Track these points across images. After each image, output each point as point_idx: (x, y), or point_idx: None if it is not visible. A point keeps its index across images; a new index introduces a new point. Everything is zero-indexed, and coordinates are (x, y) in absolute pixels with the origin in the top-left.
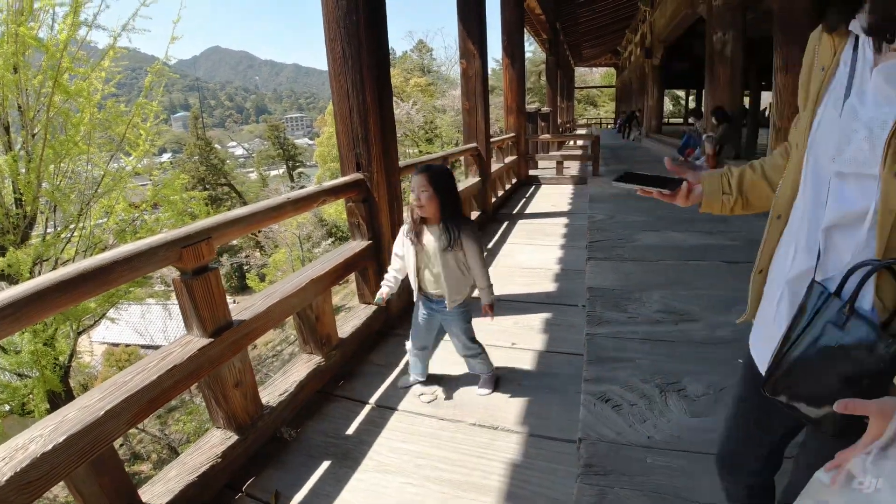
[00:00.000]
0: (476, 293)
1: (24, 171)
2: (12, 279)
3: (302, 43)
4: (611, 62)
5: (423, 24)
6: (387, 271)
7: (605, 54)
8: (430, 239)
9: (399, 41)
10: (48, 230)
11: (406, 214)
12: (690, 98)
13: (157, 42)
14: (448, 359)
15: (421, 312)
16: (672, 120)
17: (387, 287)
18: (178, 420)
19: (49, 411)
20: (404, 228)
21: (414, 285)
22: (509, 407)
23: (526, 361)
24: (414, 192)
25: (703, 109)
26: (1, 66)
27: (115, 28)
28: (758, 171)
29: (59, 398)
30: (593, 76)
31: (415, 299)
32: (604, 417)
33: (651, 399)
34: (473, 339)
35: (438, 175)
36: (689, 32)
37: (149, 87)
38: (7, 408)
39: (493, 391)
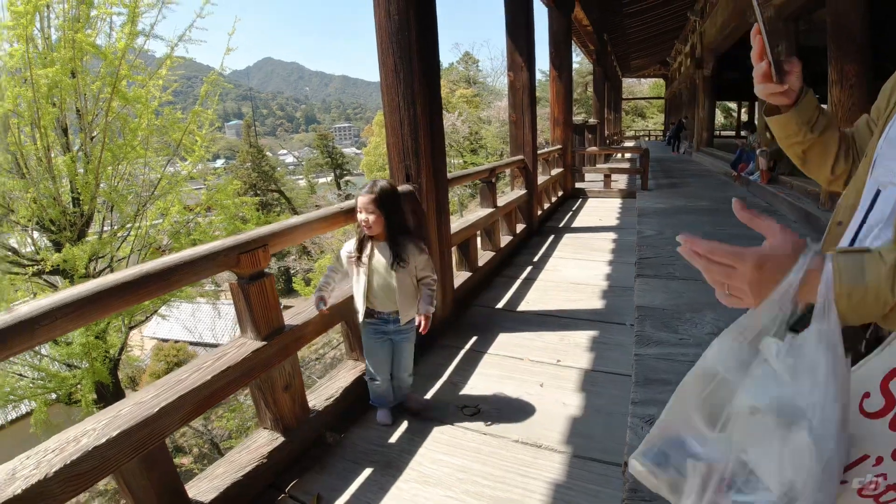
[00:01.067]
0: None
1: (82, 171)
2: (68, 274)
3: (350, 55)
4: (659, 73)
5: (469, 36)
6: (321, 285)
7: (654, 65)
8: (379, 257)
9: (445, 52)
10: (105, 229)
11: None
12: (743, 110)
13: (212, 52)
14: (491, 374)
15: (374, 339)
16: (723, 133)
17: (324, 293)
18: (221, 416)
19: (96, 402)
20: (346, 248)
21: (361, 307)
22: (553, 425)
23: (571, 379)
24: (361, 212)
25: (756, 122)
26: (59, 71)
27: (171, 38)
28: (838, 131)
29: (106, 390)
30: (641, 87)
31: (361, 325)
32: None
33: None
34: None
35: (384, 195)
36: (741, 42)
37: (204, 96)
38: (54, 396)
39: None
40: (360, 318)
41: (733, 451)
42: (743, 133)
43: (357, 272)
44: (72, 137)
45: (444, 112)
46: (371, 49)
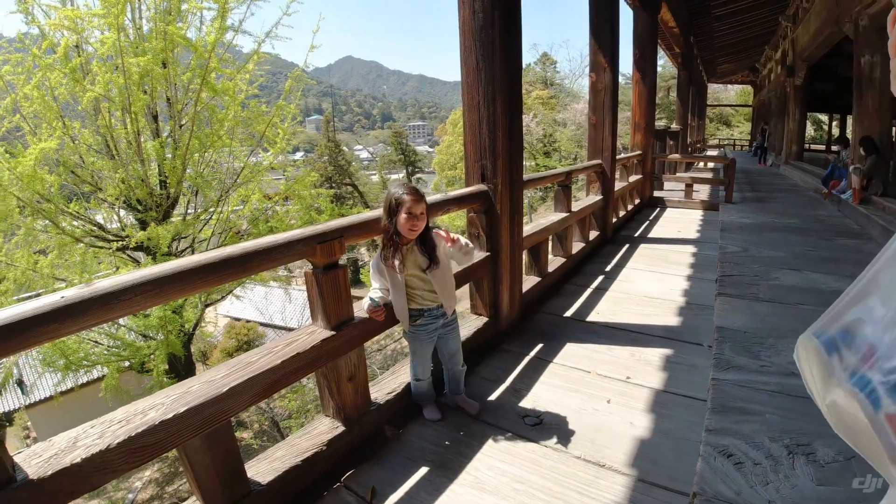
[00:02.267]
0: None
1: (170, 156)
2: (151, 251)
3: (428, 55)
4: (748, 79)
5: (548, 37)
6: (372, 294)
7: (742, 71)
8: (412, 260)
9: (524, 53)
10: (189, 211)
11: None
12: (834, 124)
13: (296, 50)
14: (556, 385)
15: (424, 340)
16: (813, 146)
17: (377, 300)
18: (283, 396)
19: (167, 372)
20: (377, 259)
21: (406, 315)
22: (618, 445)
23: (640, 398)
24: (410, 215)
25: (849, 137)
26: (150, 60)
27: (259, 34)
28: None
29: (178, 361)
30: (728, 94)
31: (406, 330)
32: (723, 473)
33: (777, 460)
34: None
35: (425, 197)
36: (835, 51)
37: (288, 91)
38: (127, 364)
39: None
40: (406, 326)
41: None
42: (835, 148)
43: (394, 281)
44: (161, 124)
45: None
46: (450, 49)
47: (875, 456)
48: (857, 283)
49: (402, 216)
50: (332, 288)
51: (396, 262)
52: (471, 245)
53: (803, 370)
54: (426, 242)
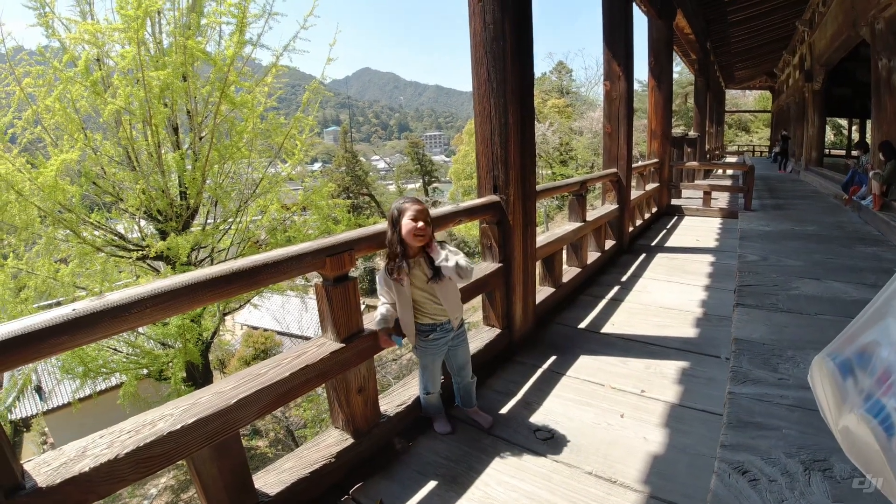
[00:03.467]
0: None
1: (190, 168)
2: (170, 261)
3: (444, 65)
4: (766, 85)
5: (564, 46)
6: (381, 310)
7: (760, 76)
8: (417, 272)
9: (539, 62)
10: (208, 222)
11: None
12: (853, 128)
13: (314, 62)
14: (569, 398)
15: (434, 353)
16: (833, 151)
17: (387, 323)
18: (298, 405)
19: (185, 380)
20: (384, 272)
21: (411, 331)
22: (631, 460)
23: (655, 413)
24: (417, 221)
25: (868, 142)
26: (170, 74)
27: (277, 48)
28: None
29: (196, 370)
30: (746, 99)
31: (415, 345)
32: (738, 491)
33: (793, 476)
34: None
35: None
36: (853, 55)
37: (306, 103)
38: (145, 371)
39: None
40: (413, 341)
41: None
42: (854, 153)
43: (400, 294)
44: (181, 136)
45: (535, 122)
46: (466, 60)
47: (886, 483)
48: (873, 303)
49: (406, 222)
50: (341, 300)
51: (403, 275)
52: (469, 268)
53: (817, 392)
54: (429, 255)
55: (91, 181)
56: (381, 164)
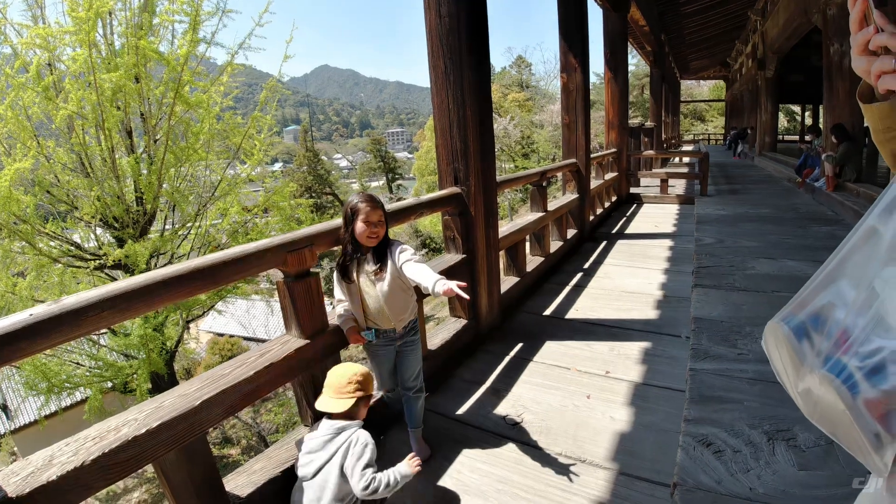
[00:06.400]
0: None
1: (145, 172)
2: (129, 269)
3: (404, 61)
4: (720, 74)
5: (523, 41)
6: (338, 310)
7: (714, 66)
8: (364, 269)
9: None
10: (166, 227)
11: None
12: (807, 114)
13: (271, 60)
14: (536, 383)
15: (378, 354)
16: (787, 137)
17: (350, 322)
18: (270, 410)
19: (151, 391)
20: (336, 274)
21: (363, 327)
22: (599, 440)
23: (620, 393)
24: (367, 224)
25: (821, 126)
26: (123, 76)
27: (232, 46)
28: None
29: (161, 380)
30: (701, 89)
31: (367, 347)
32: (703, 463)
33: (757, 447)
34: (421, 373)
35: (382, 204)
36: (805, 42)
37: (263, 102)
38: (109, 384)
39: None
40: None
41: (872, 308)
42: (807, 137)
43: (351, 293)
44: (136, 140)
45: (496, 117)
46: (425, 55)
47: (854, 444)
48: (823, 269)
49: (359, 224)
50: (304, 296)
51: (352, 271)
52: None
53: (772, 357)
54: (380, 250)
55: (45, 190)
56: (344, 163)
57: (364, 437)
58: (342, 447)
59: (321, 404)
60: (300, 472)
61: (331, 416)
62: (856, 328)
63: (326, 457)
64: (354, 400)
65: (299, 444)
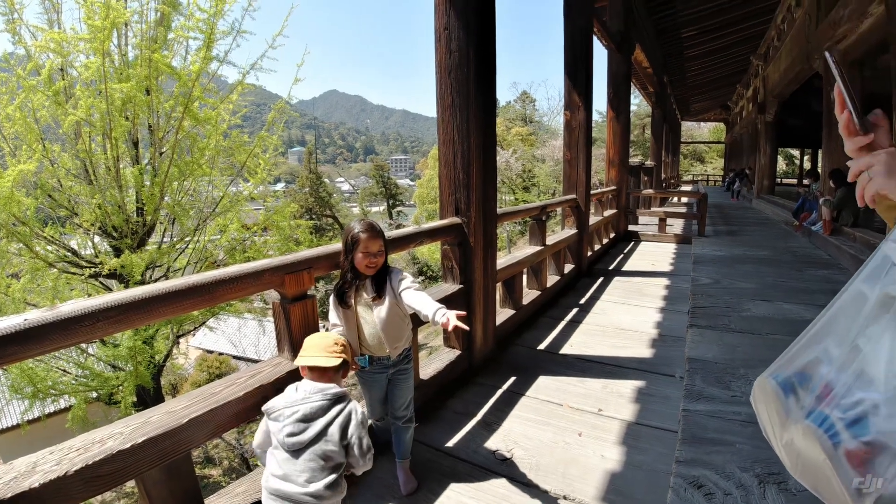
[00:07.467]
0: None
1: (148, 183)
2: (124, 279)
3: (411, 90)
4: (720, 117)
5: (528, 76)
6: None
7: (715, 108)
8: (363, 296)
9: (503, 91)
10: (165, 240)
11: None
12: (805, 158)
13: (281, 82)
14: (528, 418)
15: (369, 382)
16: (785, 180)
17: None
18: (254, 432)
19: (136, 404)
20: (333, 299)
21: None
22: (590, 478)
23: (612, 431)
24: (367, 254)
25: (819, 170)
26: (134, 87)
27: (244, 65)
28: None
29: (147, 394)
30: (701, 131)
31: (358, 372)
32: None
33: (748, 490)
34: (412, 402)
35: (384, 234)
36: (805, 88)
37: (271, 122)
38: (94, 395)
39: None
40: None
41: (855, 363)
42: (805, 181)
43: (347, 320)
44: (142, 151)
45: (498, 149)
46: (432, 86)
47: (835, 497)
48: (812, 327)
49: (359, 255)
50: (300, 319)
51: (350, 297)
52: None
53: (759, 411)
54: (379, 277)
55: (47, 194)
56: (346, 186)
57: (361, 409)
58: (341, 416)
59: (310, 360)
60: (290, 440)
61: (313, 378)
62: (838, 382)
63: (325, 423)
64: (342, 359)
65: (270, 410)
